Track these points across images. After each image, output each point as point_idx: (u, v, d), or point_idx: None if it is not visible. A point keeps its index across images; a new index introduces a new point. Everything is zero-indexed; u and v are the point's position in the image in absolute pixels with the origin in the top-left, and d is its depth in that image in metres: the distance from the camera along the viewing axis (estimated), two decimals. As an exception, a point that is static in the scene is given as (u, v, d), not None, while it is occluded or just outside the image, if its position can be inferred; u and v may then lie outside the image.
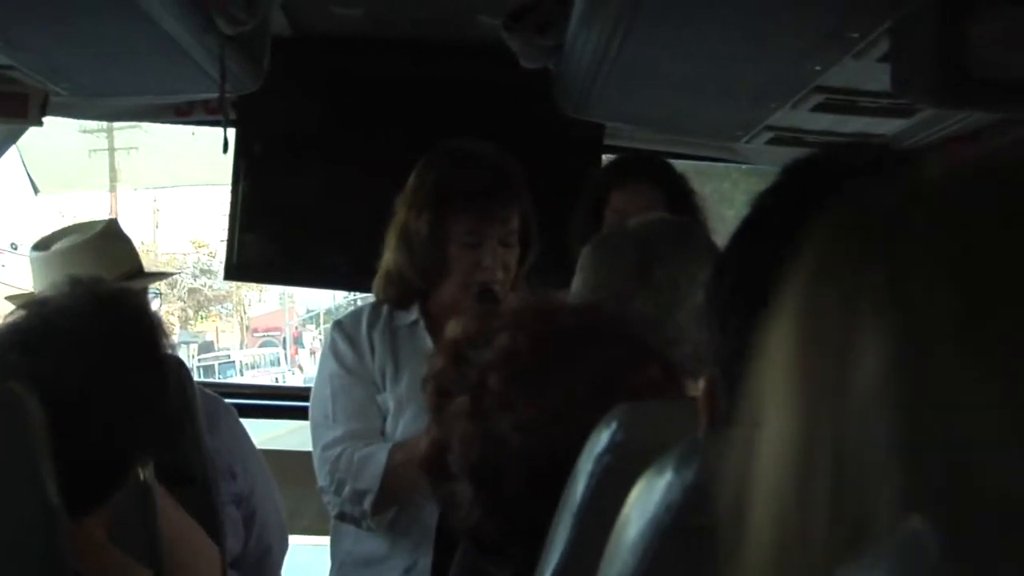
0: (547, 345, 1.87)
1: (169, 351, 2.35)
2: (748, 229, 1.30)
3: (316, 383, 3.51)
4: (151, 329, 2.33)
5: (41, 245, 3.75)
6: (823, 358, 0.75)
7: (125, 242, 3.80)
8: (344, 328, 3.50)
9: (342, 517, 3.39)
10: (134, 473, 2.28)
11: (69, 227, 3.89)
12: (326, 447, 3.37)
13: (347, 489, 3.31)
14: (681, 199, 3.51)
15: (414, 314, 3.45)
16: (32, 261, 3.74)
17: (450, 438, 1.88)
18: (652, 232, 2.48)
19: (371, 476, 3.27)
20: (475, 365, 1.88)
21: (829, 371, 0.74)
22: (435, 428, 1.92)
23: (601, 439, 1.51)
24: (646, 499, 1.13)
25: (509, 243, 3.38)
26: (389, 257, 3.43)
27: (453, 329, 1.96)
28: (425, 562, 3.31)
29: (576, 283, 2.45)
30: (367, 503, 3.29)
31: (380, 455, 3.27)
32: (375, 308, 3.51)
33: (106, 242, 3.73)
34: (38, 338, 2.22)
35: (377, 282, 3.48)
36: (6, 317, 2.32)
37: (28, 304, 2.31)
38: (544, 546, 1.60)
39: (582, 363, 1.85)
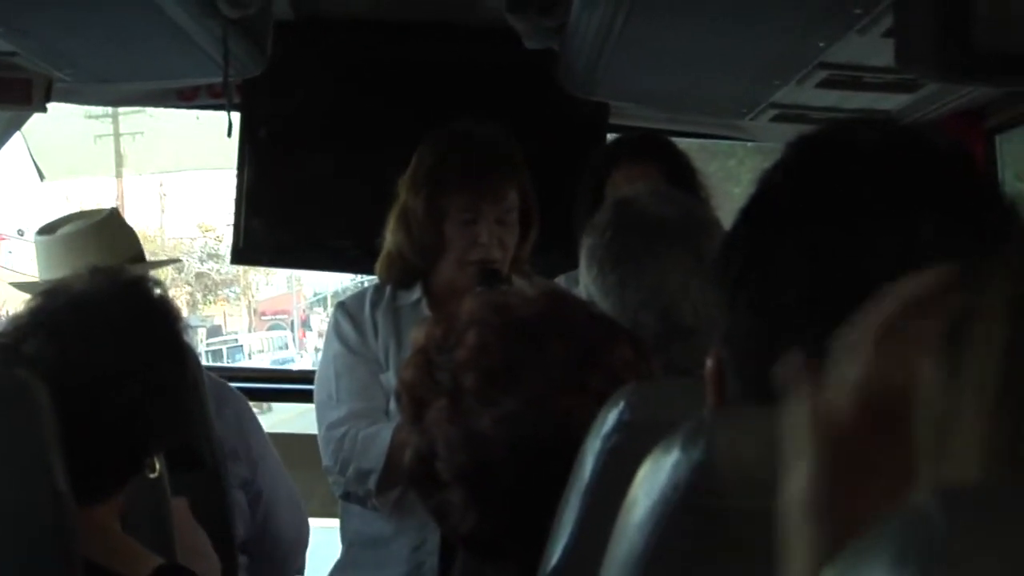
0: (515, 336, 1.86)
1: (187, 339, 2.36)
2: (755, 206, 1.29)
3: (320, 364, 3.53)
4: (172, 317, 2.34)
5: (46, 230, 3.77)
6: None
7: (127, 230, 3.83)
8: (347, 309, 3.52)
9: (347, 497, 3.40)
10: (149, 461, 2.29)
11: (73, 214, 3.92)
12: (330, 427, 3.39)
13: (351, 469, 3.32)
14: (683, 177, 3.50)
15: (416, 293, 3.47)
16: (37, 245, 3.77)
17: (433, 446, 1.87)
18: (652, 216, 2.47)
19: (375, 455, 3.28)
20: (446, 369, 1.87)
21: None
22: (415, 438, 1.91)
23: (608, 419, 1.51)
24: (653, 478, 1.13)
25: (506, 221, 3.39)
26: (390, 238, 3.45)
27: (418, 337, 1.95)
28: (433, 540, 3.31)
29: (589, 279, 2.43)
30: (371, 482, 3.30)
31: (384, 434, 3.28)
32: (378, 289, 3.52)
33: (110, 229, 3.75)
34: (62, 323, 2.22)
35: (379, 263, 3.50)
36: (29, 302, 2.32)
37: (51, 289, 2.32)
38: (543, 540, 1.60)
39: (553, 348, 1.85)
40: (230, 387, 3.48)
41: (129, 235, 3.82)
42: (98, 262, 3.50)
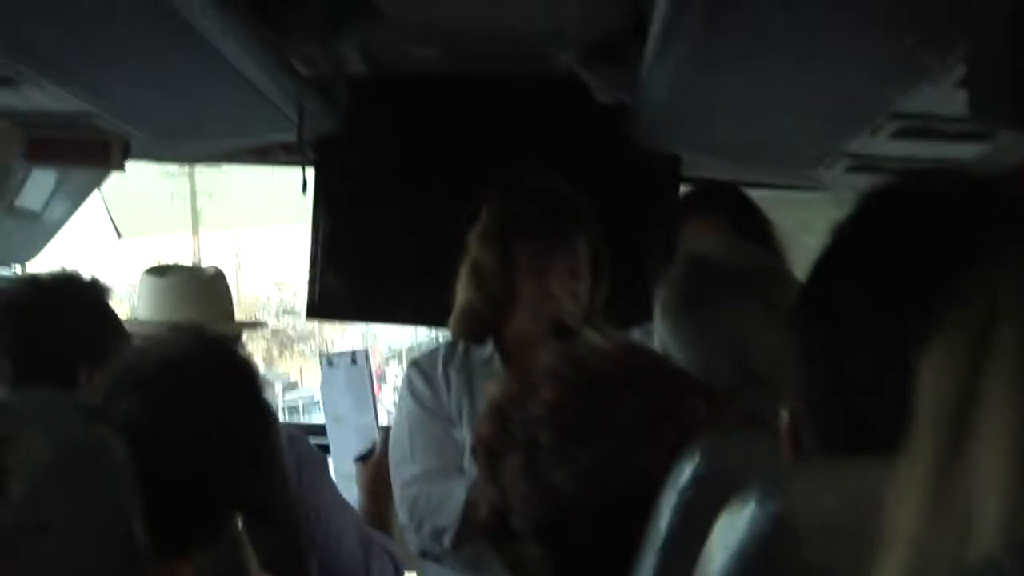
0: (590, 391, 1.86)
1: (267, 398, 2.38)
2: (829, 258, 1.29)
3: (394, 422, 3.52)
4: (254, 377, 2.36)
5: (156, 272, 3.85)
6: None
7: (227, 290, 3.89)
8: (420, 366, 3.52)
9: (423, 555, 3.40)
10: (231, 522, 2.31)
11: (182, 265, 4.00)
12: (405, 485, 3.38)
13: (427, 526, 3.31)
14: (755, 228, 3.49)
15: (489, 348, 3.46)
16: (144, 284, 3.84)
17: (508, 499, 1.87)
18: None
19: (450, 513, 3.27)
20: (521, 423, 1.87)
21: None
22: (491, 492, 1.91)
23: (684, 472, 1.51)
24: (730, 531, 1.12)
25: (577, 273, 3.38)
26: (461, 292, 3.45)
27: (493, 392, 1.96)
28: (507, 594, 3.30)
29: (669, 339, 2.43)
30: (447, 540, 3.29)
31: (458, 492, 3.27)
32: (451, 345, 3.52)
33: (214, 286, 3.82)
34: (151, 382, 2.25)
35: (452, 319, 3.50)
36: (118, 359, 2.36)
37: (140, 348, 2.35)
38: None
39: (627, 403, 1.84)
40: (311, 447, 3.44)
41: (228, 294, 3.89)
42: (197, 314, 3.58)
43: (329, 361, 4.08)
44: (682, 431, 1.80)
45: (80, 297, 2.99)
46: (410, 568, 3.67)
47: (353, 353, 4.06)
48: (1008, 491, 0.72)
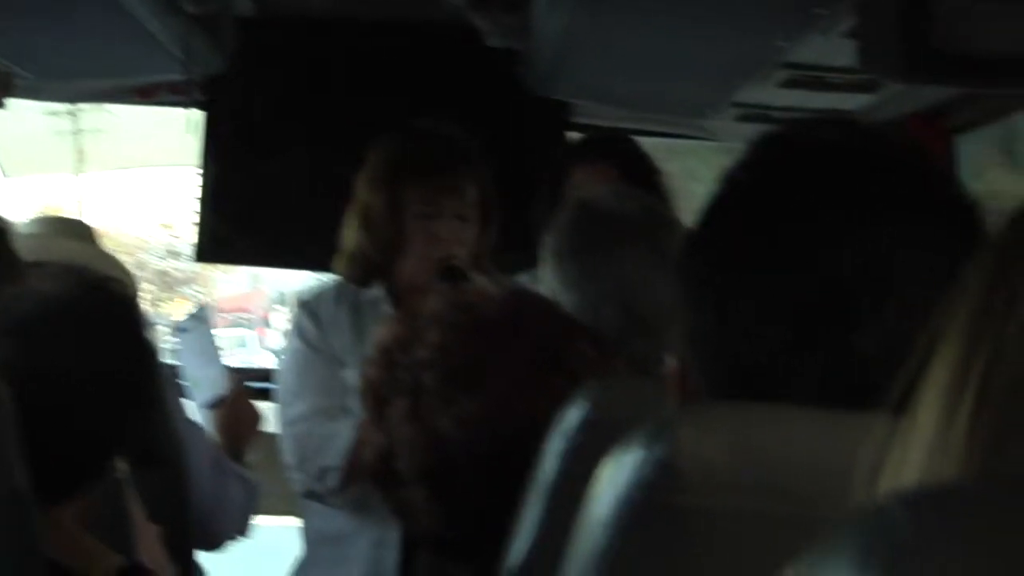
0: (477, 336, 1.86)
1: (152, 340, 2.35)
2: (718, 205, 1.30)
3: (282, 361, 3.52)
4: (137, 318, 2.33)
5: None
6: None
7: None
8: (308, 306, 3.51)
9: (309, 495, 3.40)
10: (113, 466, 2.28)
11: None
12: (291, 423, 3.38)
13: (312, 466, 3.32)
14: (643, 177, 3.50)
15: (378, 290, 3.46)
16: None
17: (394, 444, 1.87)
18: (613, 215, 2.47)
19: (336, 452, 3.28)
20: (408, 367, 1.87)
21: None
22: (377, 435, 1.91)
23: (570, 418, 1.51)
24: (615, 476, 1.13)
25: (466, 217, 3.39)
26: (349, 236, 3.45)
27: (381, 335, 1.95)
28: (393, 536, 3.31)
29: (550, 276, 2.44)
30: (332, 479, 3.29)
31: (344, 431, 3.27)
32: (340, 286, 3.52)
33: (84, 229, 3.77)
34: (30, 326, 2.21)
35: (340, 262, 3.49)
36: None
37: (19, 291, 2.31)
38: (504, 538, 1.60)
39: (514, 349, 1.85)
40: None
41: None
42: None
43: (181, 329, 4.04)
44: (569, 377, 1.81)
45: None
46: (295, 511, 3.67)
47: (195, 313, 4.03)
48: (929, 444, 0.72)
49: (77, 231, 3.78)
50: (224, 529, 3.45)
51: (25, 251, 3.64)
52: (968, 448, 0.70)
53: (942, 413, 0.72)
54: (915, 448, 0.73)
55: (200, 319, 4.00)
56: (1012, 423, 0.69)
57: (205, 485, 3.38)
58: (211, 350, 3.85)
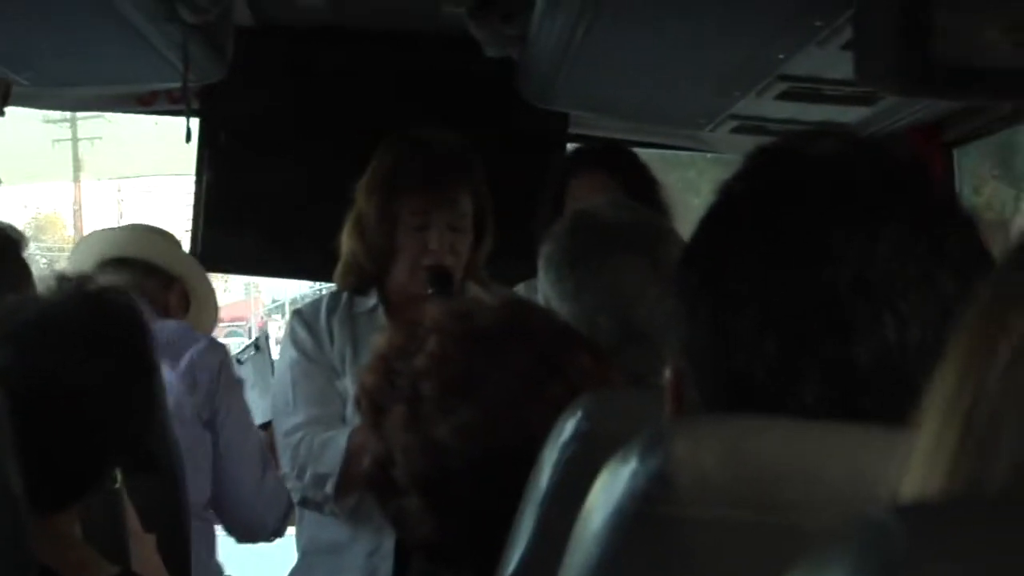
0: (474, 345, 1.86)
1: (151, 349, 2.35)
2: (715, 217, 1.30)
3: (277, 372, 3.53)
4: (139, 329, 2.33)
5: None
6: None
7: None
8: (303, 316, 3.52)
9: (304, 503, 3.41)
10: (111, 472, 2.28)
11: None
12: (287, 433, 3.39)
13: (308, 474, 3.32)
14: (642, 188, 3.51)
15: (372, 299, 3.47)
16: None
17: (391, 452, 1.87)
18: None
19: (331, 460, 3.28)
20: (406, 375, 1.87)
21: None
22: (374, 443, 1.91)
23: (566, 428, 1.51)
24: (611, 487, 1.12)
25: (459, 227, 3.40)
26: (346, 244, 3.46)
27: (379, 344, 1.95)
28: (388, 545, 3.32)
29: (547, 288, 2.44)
30: (329, 487, 3.30)
31: (340, 439, 3.28)
32: (334, 296, 3.53)
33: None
34: (29, 335, 2.21)
35: (336, 270, 3.50)
36: None
37: (20, 299, 2.31)
38: (499, 548, 1.60)
39: (511, 358, 1.85)
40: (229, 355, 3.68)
41: None
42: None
43: (238, 360, 4.20)
44: (565, 387, 1.81)
45: None
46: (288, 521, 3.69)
47: (255, 341, 4.24)
48: (926, 454, 0.73)
49: (162, 235, 4.02)
50: (265, 522, 3.71)
51: (114, 248, 3.79)
52: (951, 472, 0.71)
53: (931, 437, 0.73)
54: (912, 463, 0.74)
55: (259, 346, 4.18)
56: (990, 452, 0.70)
57: (248, 479, 3.59)
58: (267, 378, 4.01)
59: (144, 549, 2.68)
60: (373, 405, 1.91)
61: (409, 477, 1.85)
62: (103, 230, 4.30)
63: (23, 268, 2.84)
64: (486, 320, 1.89)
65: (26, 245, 2.91)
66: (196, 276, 4.01)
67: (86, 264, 3.75)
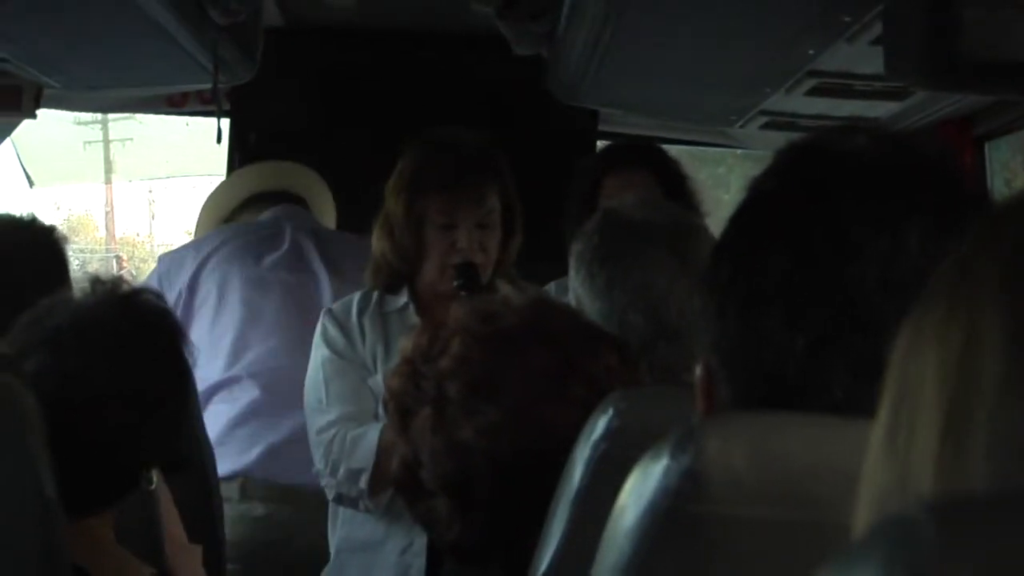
0: (498, 345, 1.86)
1: (184, 351, 2.35)
2: (745, 213, 1.29)
3: (309, 370, 3.53)
4: (170, 330, 2.33)
5: None
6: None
7: None
8: (335, 315, 3.53)
9: (339, 499, 3.41)
10: (145, 476, 2.29)
11: None
12: (320, 431, 3.39)
13: (342, 470, 3.32)
14: (674, 184, 3.51)
15: (403, 298, 3.47)
16: None
17: (418, 454, 1.87)
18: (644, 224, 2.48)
19: (364, 455, 3.28)
20: (431, 378, 1.87)
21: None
22: (402, 446, 1.91)
23: (597, 426, 1.51)
24: (642, 485, 1.13)
25: (487, 225, 3.39)
26: (375, 243, 3.46)
27: (404, 346, 1.95)
28: (420, 542, 3.32)
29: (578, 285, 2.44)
30: (363, 482, 3.30)
31: (371, 434, 3.28)
32: (365, 295, 3.53)
33: None
34: (63, 339, 2.21)
35: (367, 269, 3.51)
36: (30, 314, 2.31)
37: (53, 303, 2.31)
38: (528, 547, 1.60)
39: (535, 358, 1.84)
40: None
41: None
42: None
43: None
44: (589, 388, 1.81)
45: (39, 243, 2.94)
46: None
47: None
48: (937, 457, 0.73)
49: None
50: None
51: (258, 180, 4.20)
52: (937, 472, 0.71)
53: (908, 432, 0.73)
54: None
55: None
56: (967, 451, 0.70)
57: None
58: None
59: (191, 561, 2.67)
60: (400, 408, 1.91)
61: (436, 479, 1.85)
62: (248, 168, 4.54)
63: (63, 266, 2.87)
64: (509, 321, 1.89)
65: (66, 244, 2.94)
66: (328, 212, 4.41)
67: (235, 201, 4.30)
